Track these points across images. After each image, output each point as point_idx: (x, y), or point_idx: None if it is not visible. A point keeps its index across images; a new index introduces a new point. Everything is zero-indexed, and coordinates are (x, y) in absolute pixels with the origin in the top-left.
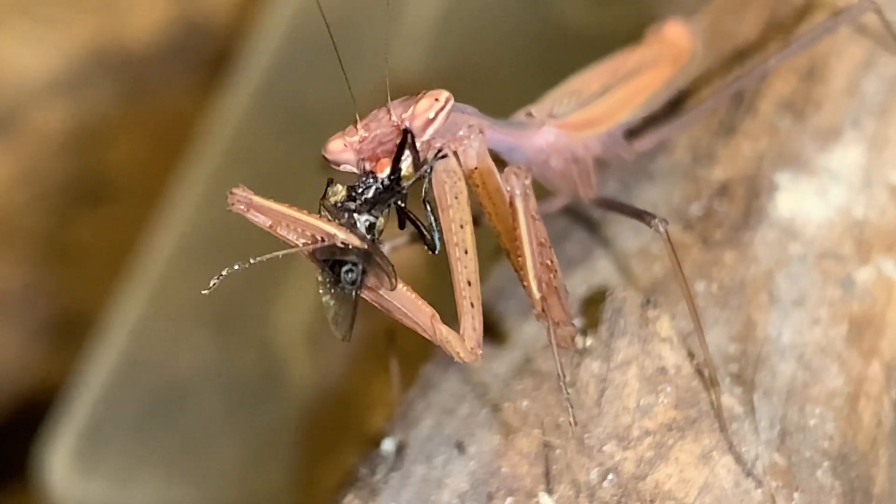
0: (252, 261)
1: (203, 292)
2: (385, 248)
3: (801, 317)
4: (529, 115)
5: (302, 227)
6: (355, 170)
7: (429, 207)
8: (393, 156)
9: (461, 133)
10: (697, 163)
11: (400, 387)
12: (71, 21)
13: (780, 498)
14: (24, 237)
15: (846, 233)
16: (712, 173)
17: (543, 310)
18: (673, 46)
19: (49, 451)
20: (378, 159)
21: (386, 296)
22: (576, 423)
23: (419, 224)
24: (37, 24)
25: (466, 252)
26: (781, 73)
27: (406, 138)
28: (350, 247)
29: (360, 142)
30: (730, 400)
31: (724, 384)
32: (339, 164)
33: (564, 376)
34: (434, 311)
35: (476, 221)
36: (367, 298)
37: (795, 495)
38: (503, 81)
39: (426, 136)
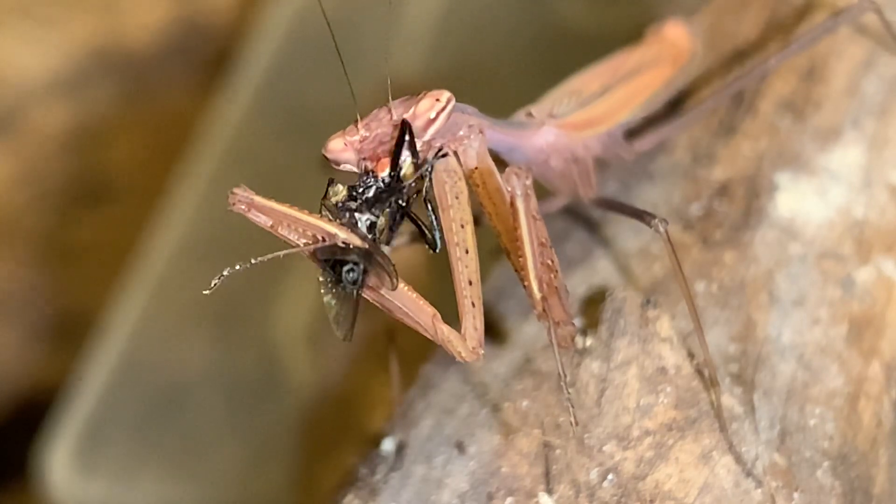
0: (253, 261)
1: (204, 292)
2: (385, 248)
3: (801, 317)
4: (529, 115)
5: (303, 227)
6: (356, 169)
7: (429, 206)
8: (404, 147)
9: (461, 133)
10: (697, 163)
11: (400, 387)
12: (71, 21)
13: (780, 498)
14: (24, 237)
15: (846, 233)
16: (712, 173)
17: (544, 310)
18: (673, 46)
19: (49, 451)
20: (379, 159)
21: (387, 295)
22: (576, 423)
23: (420, 223)
24: (37, 24)
25: (467, 252)
26: (781, 73)
27: (404, 134)
28: (351, 246)
29: (360, 141)
30: (730, 400)
31: (724, 384)
32: (339, 164)
33: (565, 376)
34: (435, 310)
35: (476, 221)
36: (368, 298)
37: (795, 495)
38: (503, 81)
39: (427, 136)
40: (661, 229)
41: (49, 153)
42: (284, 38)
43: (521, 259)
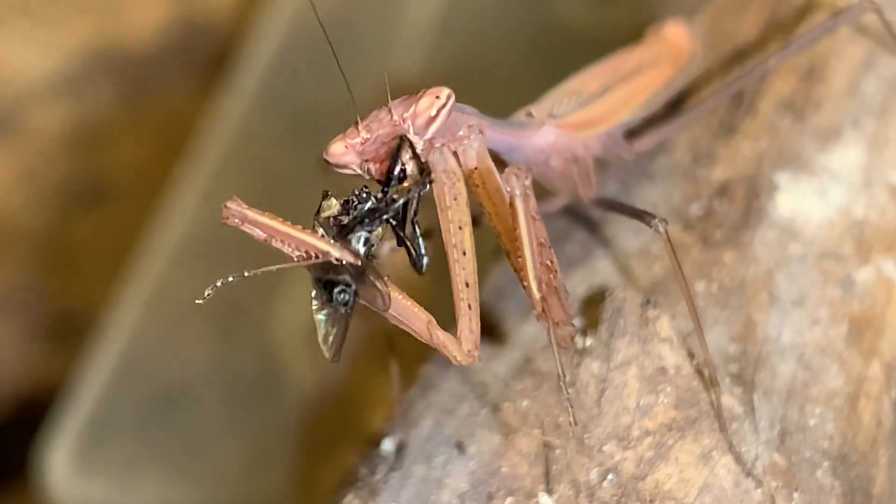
0: (246, 273)
1: (197, 302)
2: (384, 248)
3: (801, 317)
4: (529, 115)
5: (296, 242)
6: (358, 172)
7: (418, 229)
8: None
9: (461, 133)
10: (697, 163)
11: (400, 387)
12: (71, 21)
13: (779, 498)
14: (24, 237)
15: (846, 233)
16: (712, 173)
17: (543, 310)
18: (673, 46)
19: (49, 451)
20: (382, 160)
21: None
22: (576, 423)
23: (407, 243)
24: (37, 24)
25: (465, 253)
26: (781, 73)
27: (401, 147)
28: (343, 265)
29: (361, 143)
30: (730, 400)
31: (724, 384)
32: (341, 167)
33: (565, 376)
34: (430, 316)
35: (476, 222)
36: (364, 303)
37: (795, 495)
38: (503, 81)
39: (428, 135)
40: (661, 229)
41: (49, 153)
42: (284, 38)
43: (520, 259)
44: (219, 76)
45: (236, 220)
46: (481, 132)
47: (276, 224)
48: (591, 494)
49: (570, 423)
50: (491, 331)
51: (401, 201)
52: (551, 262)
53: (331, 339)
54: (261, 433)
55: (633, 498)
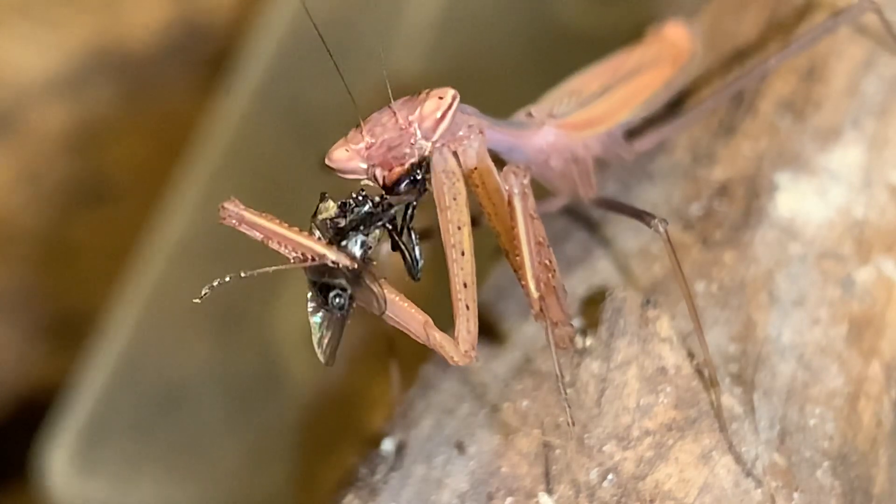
0: (243, 274)
1: (195, 301)
2: (382, 249)
3: (801, 317)
4: (529, 115)
5: (292, 245)
6: (364, 177)
7: (414, 235)
8: (404, 163)
9: (461, 133)
10: (697, 163)
11: (400, 387)
12: (71, 21)
13: (779, 498)
14: (24, 237)
15: (846, 233)
16: (712, 173)
17: (542, 309)
18: (673, 46)
19: (49, 451)
20: (391, 167)
21: None
22: (573, 423)
23: (403, 248)
24: (37, 25)
25: (463, 254)
26: (781, 73)
27: (410, 175)
28: (340, 268)
29: (367, 148)
30: (730, 400)
31: (724, 384)
32: (344, 173)
33: (563, 376)
34: (427, 317)
35: (475, 222)
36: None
37: (795, 495)
38: (503, 81)
39: (435, 137)
40: (661, 229)
41: (49, 153)
42: (284, 38)
43: (518, 258)
44: (219, 76)
45: (233, 221)
46: (481, 132)
47: (273, 225)
48: (591, 494)
49: (569, 423)
50: (490, 331)
51: (397, 207)
52: (550, 262)
53: (326, 342)
54: (261, 433)
55: (633, 498)
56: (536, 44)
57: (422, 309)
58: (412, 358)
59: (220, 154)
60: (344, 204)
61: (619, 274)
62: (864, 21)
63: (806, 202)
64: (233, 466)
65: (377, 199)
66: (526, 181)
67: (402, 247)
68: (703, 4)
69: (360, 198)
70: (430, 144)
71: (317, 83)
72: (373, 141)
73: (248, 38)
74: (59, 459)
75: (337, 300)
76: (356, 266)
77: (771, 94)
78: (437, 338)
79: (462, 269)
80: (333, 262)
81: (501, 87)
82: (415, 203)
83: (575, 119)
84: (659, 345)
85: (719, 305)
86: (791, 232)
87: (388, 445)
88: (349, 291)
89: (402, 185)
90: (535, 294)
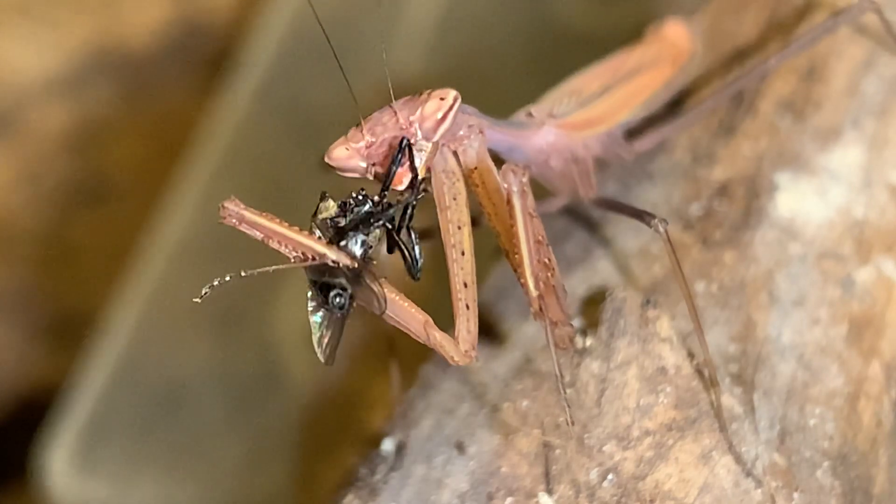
0: (243, 273)
1: (195, 301)
2: (383, 249)
3: (801, 317)
4: (529, 115)
5: (292, 244)
6: (364, 176)
7: (413, 235)
8: (400, 166)
9: (461, 133)
10: (697, 163)
11: (400, 387)
12: (71, 21)
13: (779, 498)
14: (24, 237)
15: (846, 233)
16: (712, 173)
17: (540, 308)
18: (673, 46)
19: (49, 451)
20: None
21: None
22: (573, 423)
23: (403, 248)
24: (37, 25)
25: (464, 253)
26: (781, 73)
27: (401, 153)
28: (340, 268)
29: (367, 147)
30: (730, 400)
31: (724, 384)
32: (344, 171)
33: (562, 376)
34: (427, 316)
35: (475, 222)
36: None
37: (795, 495)
38: (503, 81)
39: (436, 137)
40: (661, 229)
41: (49, 153)
42: (284, 38)
43: (517, 256)
44: (219, 76)
45: (233, 220)
46: (481, 132)
47: (273, 225)
48: (591, 494)
49: (568, 423)
50: (491, 331)
51: (397, 206)
52: (549, 261)
53: (325, 341)
54: (261, 433)
55: (633, 498)
56: (536, 44)
57: (422, 309)
58: (412, 358)
59: (220, 154)
60: (344, 203)
61: (619, 274)
62: (864, 21)
63: (806, 202)
64: (233, 466)
65: (377, 198)
66: (525, 179)
67: (402, 246)
68: (702, 4)
69: (361, 197)
70: (430, 145)
71: (317, 83)
72: (373, 140)
73: (248, 38)
74: (59, 459)
75: (337, 300)
76: (356, 265)
77: (771, 94)
78: (437, 337)
79: (462, 268)
80: (334, 262)
81: (501, 87)
82: (414, 203)
83: (575, 119)
84: (659, 345)
85: (719, 305)
86: (791, 232)
87: (388, 445)
88: (349, 291)
89: (391, 179)
90: (533, 293)
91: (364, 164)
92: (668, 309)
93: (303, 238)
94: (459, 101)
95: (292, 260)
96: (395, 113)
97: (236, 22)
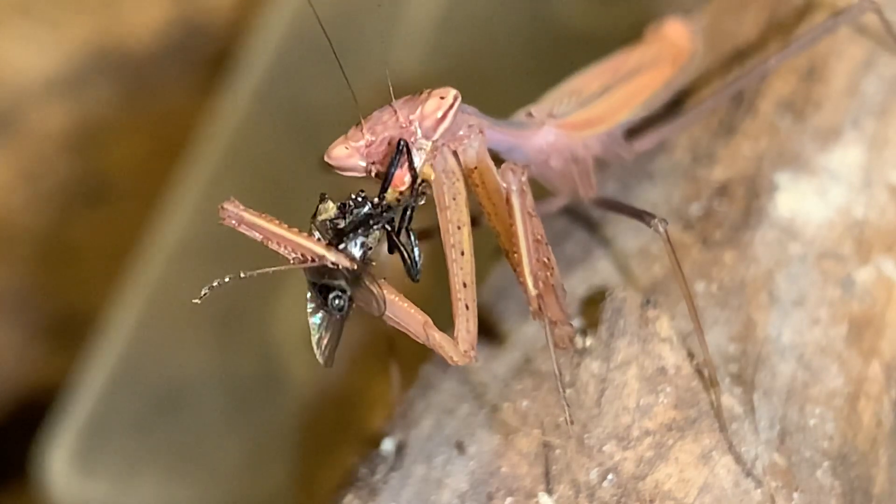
0: (242, 274)
1: (194, 301)
2: (383, 249)
3: (801, 317)
4: (529, 115)
5: (292, 245)
6: (362, 175)
7: (413, 237)
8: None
9: (461, 133)
10: (697, 163)
11: (400, 387)
12: (71, 21)
13: (779, 498)
14: (24, 237)
15: (846, 233)
16: (712, 173)
17: (539, 307)
18: (673, 46)
19: (49, 451)
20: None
21: None
22: (572, 422)
23: (403, 249)
24: (37, 24)
25: (463, 254)
26: (781, 73)
27: (399, 155)
28: (339, 269)
29: (367, 146)
30: (730, 400)
31: (724, 384)
32: (343, 170)
33: (561, 376)
34: (426, 317)
35: (475, 222)
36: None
37: (795, 495)
38: (503, 81)
39: (436, 136)
40: (661, 229)
41: (49, 153)
42: (284, 38)
43: (516, 255)
44: (219, 76)
45: (233, 222)
46: (481, 132)
47: (272, 226)
48: (591, 494)
49: (567, 422)
50: (491, 331)
51: (396, 208)
52: (548, 260)
53: (324, 343)
54: (261, 433)
55: (633, 498)
56: (536, 44)
57: (421, 309)
58: (412, 358)
59: (220, 154)
60: (343, 205)
61: (619, 274)
62: (864, 21)
63: (806, 202)
64: (233, 466)
65: (376, 200)
66: (524, 178)
67: (401, 248)
68: (702, 4)
69: (360, 199)
70: (430, 143)
71: (317, 83)
72: (373, 139)
73: (248, 38)
74: (59, 459)
75: (336, 301)
76: (355, 267)
77: (771, 94)
78: (437, 338)
79: (462, 268)
80: (333, 263)
81: (501, 87)
82: (413, 205)
83: (575, 119)
84: (659, 345)
85: (719, 305)
86: (791, 232)
87: (388, 445)
88: (348, 292)
89: (389, 181)
90: (532, 291)
91: (364, 164)
92: (668, 309)
93: (302, 239)
94: (459, 100)
95: (292, 261)
96: (395, 112)
97: (236, 22)
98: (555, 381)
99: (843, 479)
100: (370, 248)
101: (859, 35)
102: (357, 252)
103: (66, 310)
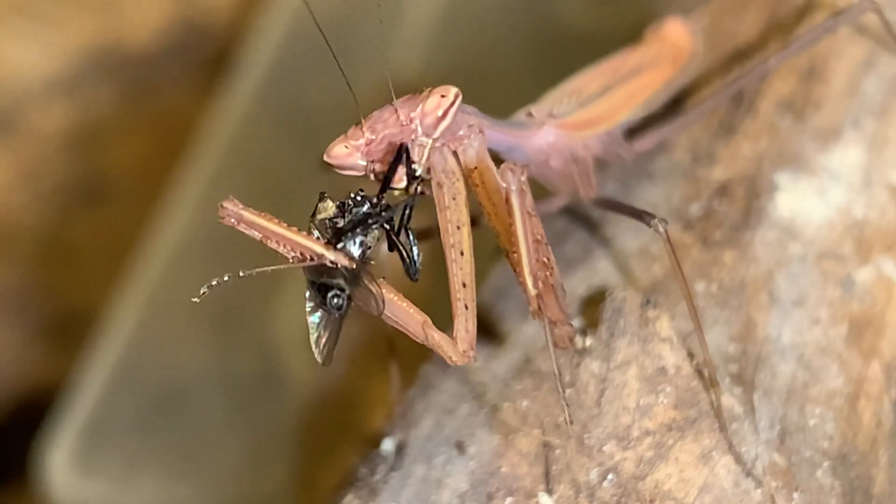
0: (242, 273)
1: (194, 300)
2: (382, 249)
3: (801, 317)
4: (529, 115)
5: (291, 244)
6: (361, 174)
7: (412, 236)
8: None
9: (461, 133)
10: (697, 163)
11: (400, 387)
12: (71, 21)
13: (779, 498)
14: (24, 237)
15: (846, 233)
16: (712, 173)
17: (539, 307)
18: (673, 46)
19: (49, 451)
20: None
21: None
22: (571, 422)
23: (402, 249)
24: (37, 24)
25: (463, 254)
26: (781, 73)
27: (400, 154)
28: (338, 268)
29: (366, 144)
30: (730, 400)
31: (724, 384)
32: (343, 169)
33: (561, 376)
34: (426, 317)
35: (475, 222)
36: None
37: (795, 495)
38: (503, 81)
39: (437, 134)
40: (661, 229)
41: (49, 153)
42: (284, 38)
43: (515, 255)
44: (219, 76)
45: (232, 220)
46: (481, 132)
47: (272, 225)
48: (591, 494)
49: (567, 422)
50: (490, 331)
51: (396, 207)
52: (547, 260)
53: (323, 342)
54: (261, 433)
55: (633, 498)
56: (536, 44)
57: (421, 309)
58: (412, 358)
59: (220, 154)
60: (343, 204)
61: (619, 274)
62: (864, 21)
63: (806, 202)
64: (233, 467)
65: (375, 199)
66: (523, 178)
67: (400, 247)
68: (702, 3)
69: (359, 198)
70: (430, 141)
71: (317, 83)
72: (373, 137)
73: (248, 38)
74: (59, 459)
75: (335, 300)
76: (354, 266)
77: (771, 94)
78: (436, 338)
79: (461, 268)
80: (332, 262)
81: (501, 87)
82: (412, 204)
83: (575, 119)
84: (659, 345)
85: (719, 305)
86: (791, 232)
87: (388, 445)
88: (347, 292)
89: (392, 181)
90: (532, 291)
91: (363, 162)
92: (668, 309)
93: (301, 238)
94: (461, 98)
95: (291, 260)
96: (396, 110)
97: (236, 22)
98: (555, 381)
99: (843, 479)
100: (369, 248)
101: (859, 35)
102: (356, 251)
103: (66, 310)
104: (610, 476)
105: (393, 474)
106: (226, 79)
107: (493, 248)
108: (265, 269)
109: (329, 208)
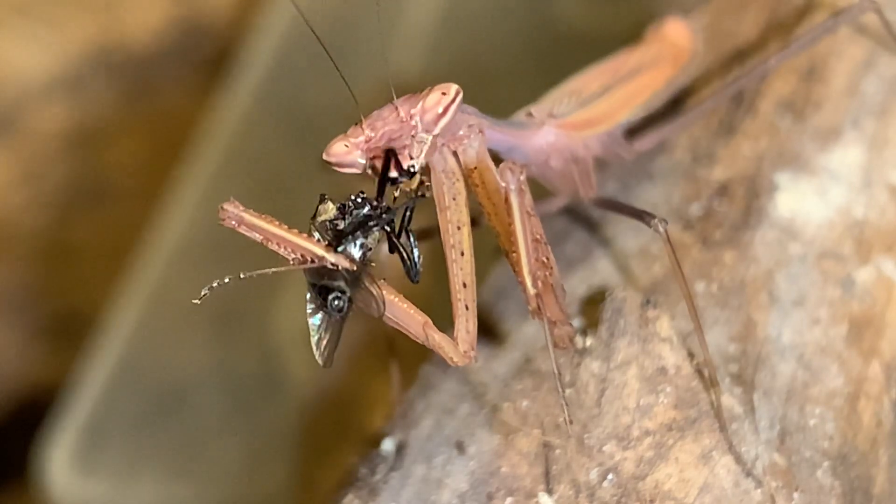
0: (242, 275)
1: (194, 302)
2: (383, 250)
3: (801, 317)
4: (529, 115)
5: (291, 246)
6: (361, 172)
7: (412, 238)
8: (404, 153)
9: (461, 133)
10: (697, 163)
11: (400, 387)
12: (71, 21)
13: (779, 498)
14: (24, 237)
15: (846, 233)
16: (712, 173)
17: (538, 307)
18: (673, 46)
19: (49, 451)
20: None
21: None
22: (571, 422)
23: (402, 250)
24: (37, 24)
25: (463, 254)
26: (781, 73)
27: (388, 163)
28: (339, 271)
29: (366, 142)
30: (730, 400)
31: (724, 384)
32: (342, 167)
33: (561, 376)
34: (426, 317)
35: (475, 222)
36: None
37: (795, 495)
38: (503, 81)
39: (437, 131)
40: (661, 229)
41: (49, 153)
42: (284, 38)
43: (515, 254)
44: (219, 76)
45: (233, 222)
46: (481, 132)
47: (272, 227)
48: (591, 494)
49: (566, 422)
50: (491, 331)
51: (396, 209)
52: (547, 259)
53: (324, 344)
54: (260, 433)
55: (633, 498)
56: (536, 44)
57: (421, 309)
58: (412, 358)
59: (220, 154)
60: (343, 206)
61: (619, 274)
62: (864, 21)
63: (806, 202)
64: (232, 466)
65: (376, 201)
66: (522, 178)
67: (401, 249)
68: (702, 3)
69: (359, 200)
70: (430, 138)
71: (317, 83)
72: (373, 134)
73: (248, 38)
74: (59, 459)
75: (335, 302)
76: (355, 268)
77: (771, 94)
78: (436, 338)
79: (461, 269)
80: (332, 264)
81: (501, 87)
82: (413, 206)
83: (575, 119)
84: (659, 345)
85: (719, 305)
86: (791, 232)
87: (388, 445)
88: (348, 293)
89: (386, 183)
90: (531, 290)
91: (363, 161)
92: (668, 309)
93: (301, 240)
94: (461, 95)
95: (291, 262)
96: (396, 108)
97: (236, 22)
98: (555, 380)
99: (843, 479)
100: (370, 249)
101: (859, 35)
102: (356, 253)
103: (66, 310)
104: (610, 476)
105: (393, 474)
106: (226, 79)
107: (493, 248)
108: (266, 271)
109: (329, 210)
